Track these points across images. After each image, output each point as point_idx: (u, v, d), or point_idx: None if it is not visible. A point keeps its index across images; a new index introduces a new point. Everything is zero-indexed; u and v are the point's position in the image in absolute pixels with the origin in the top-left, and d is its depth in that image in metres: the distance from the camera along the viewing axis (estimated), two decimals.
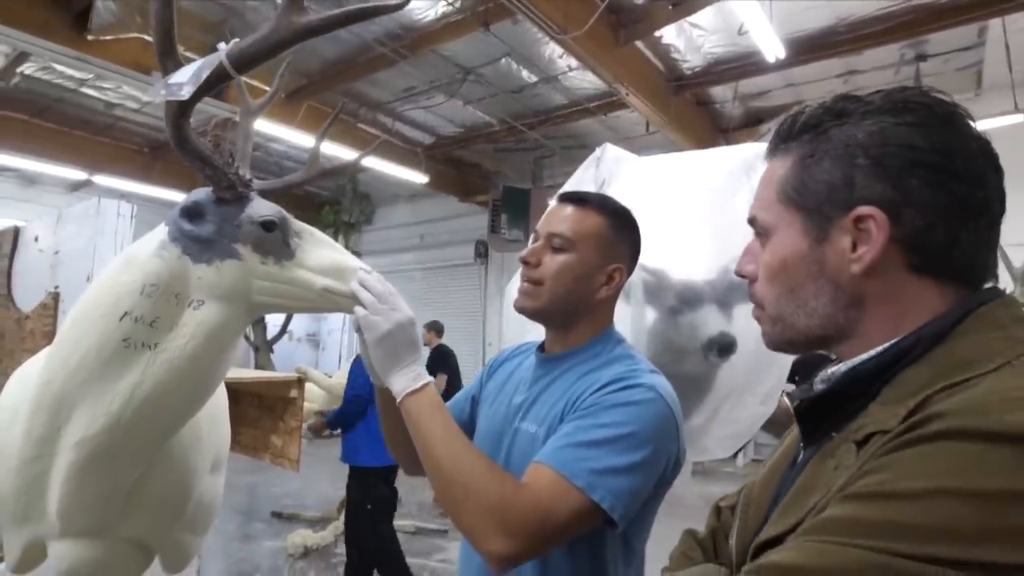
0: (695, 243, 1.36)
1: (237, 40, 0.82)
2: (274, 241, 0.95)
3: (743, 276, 0.64)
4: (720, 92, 5.91)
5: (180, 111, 0.87)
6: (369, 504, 3.08)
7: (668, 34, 4.90)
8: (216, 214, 0.95)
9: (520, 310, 0.97)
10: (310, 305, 0.98)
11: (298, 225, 0.99)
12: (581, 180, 1.65)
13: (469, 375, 8.04)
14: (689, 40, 4.99)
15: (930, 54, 5.07)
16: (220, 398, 1.45)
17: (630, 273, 0.99)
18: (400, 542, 4.01)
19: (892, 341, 0.53)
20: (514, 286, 2.06)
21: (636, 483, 0.80)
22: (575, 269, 0.94)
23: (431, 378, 0.87)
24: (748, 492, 0.66)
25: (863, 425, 0.50)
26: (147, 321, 0.90)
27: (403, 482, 5.50)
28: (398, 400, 0.85)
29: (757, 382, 1.49)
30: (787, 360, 1.56)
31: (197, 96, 0.82)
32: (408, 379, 0.85)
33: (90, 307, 0.94)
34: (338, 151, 5.68)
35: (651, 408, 0.83)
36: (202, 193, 0.97)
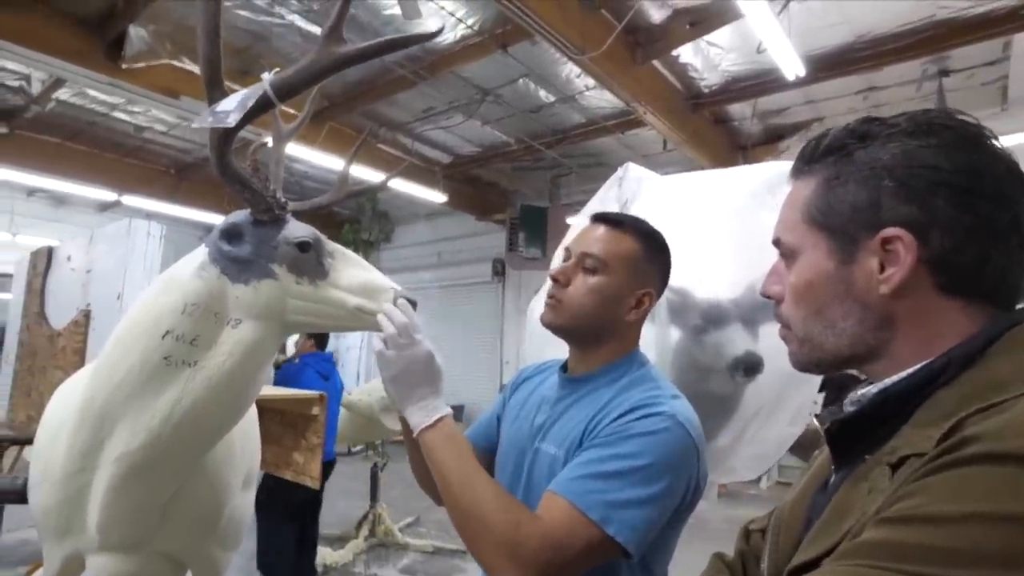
0: (719, 262, 1.36)
1: (279, 69, 0.86)
2: (309, 261, 0.98)
3: (769, 297, 0.65)
4: (738, 109, 5.90)
5: (224, 139, 0.90)
6: (264, 494, 2.74)
7: (685, 53, 4.91)
8: (254, 235, 0.98)
9: (547, 325, 0.98)
10: (342, 324, 1.01)
11: (331, 245, 1.02)
12: (604, 200, 1.66)
13: (486, 393, 8.05)
14: (707, 58, 5.00)
15: (953, 69, 5.01)
16: (252, 415, 1.49)
17: (659, 297, 1.00)
18: (419, 562, 4.05)
19: (923, 363, 0.53)
20: (539, 302, 2.09)
21: (652, 515, 0.80)
22: (605, 291, 0.95)
23: (448, 410, 0.89)
24: (779, 515, 0.66)
25: (896, 448, 0.50)
26: (187, 339, 0.94)
27: (421, 499, 5.49)
28: (415, 434, 0.88)
29: (785, 402, 1.48)
30: (816, 380, 1.55)
31: (241, 124, 0.86)
32: (422, 414, 0.87)
33: (133, 326, 0.98)
34: (358, 171, 5.76)
35: (668, 437, 0.83)
36: (241, 215, 1.00)
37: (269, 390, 2.58)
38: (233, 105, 0.82)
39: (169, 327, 0.93)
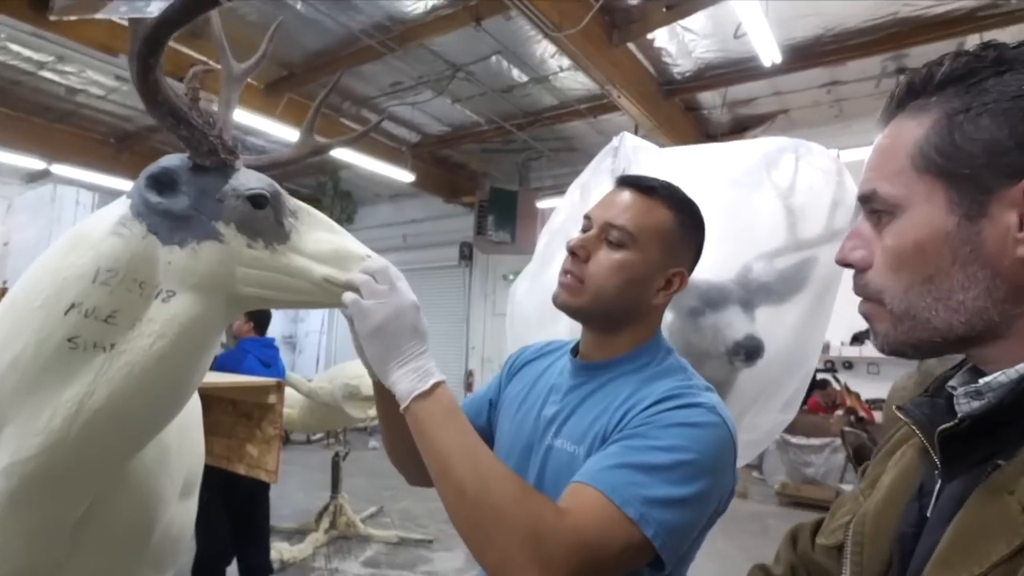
0: (717, 240, 1.27)
1: None
2: (265, 220, 0.80)
3: (848, 265, 0.53)
4: (709, 98, 5.91)
5: (148, 46, 0.68)
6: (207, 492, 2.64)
7: (660, 37, 4.87)
8: (192, 185, 0.79)
9: (562, 306, 0.84)
10: (306, 298, 0.82)
11: (293, 202, 0.84)
12: (597, 170, 1.55)
13: (451, 380, 7.91)
14: (681, 44, 4.96)
15: (910, 68, 5.11)
16: (193, 409, 1.26)
17: (689, 276, 0.86)
18: (382, 553, 3.92)
19: None
20: (524, 281, 1.98)
21: (689, 519, 0.68)
22: (632, 270, 0.81)
23: (442, 375, 0.73)
24: (859, 527, 0.55)
25: None
26: (101, 316, 0.73)
27: (384, 488, 5.38)
28: (403, 405, 0.71)
29: (779, 388, 1.42)
30: (811, 366, 1.49)
31: (170, 21, 0.66)
32: (414, 379, 0.71)
33: (25, 297, 0.75)
34: None
35: (713, 434, 0.71)
36: (175, 158, 0.80)
37: (216, 377, 2.39)
38: None
39: (76, 299, 0.72)
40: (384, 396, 0.83)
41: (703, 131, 6.42)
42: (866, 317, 0.52)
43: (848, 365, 5.80)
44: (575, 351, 0.90)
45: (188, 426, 1.17)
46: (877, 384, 5.49)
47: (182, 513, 1.17)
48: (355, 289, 0.75)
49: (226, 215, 0.79)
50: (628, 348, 0.84)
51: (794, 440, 5.08)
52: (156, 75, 0.71)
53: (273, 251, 0.80)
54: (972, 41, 4.48)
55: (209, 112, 0.79)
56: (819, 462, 4.90)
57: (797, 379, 1.43)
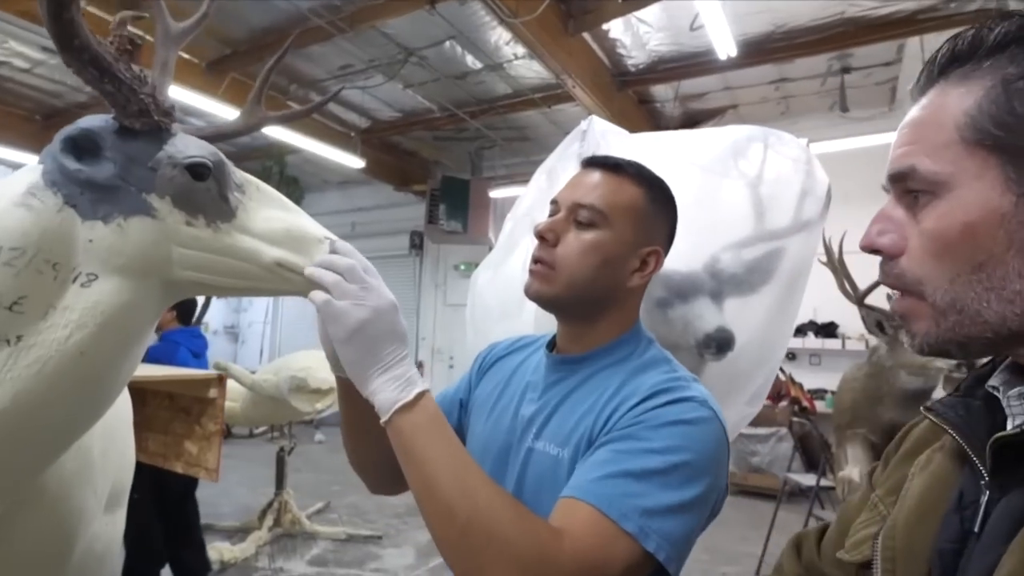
0: (686, 229, 1.24)
1: None
2: (206, 194, 0.70)
3: (874, 251, 0.48)
4: (661, 91, 5.97)
5: None
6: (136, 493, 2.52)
7: (615, 28, 4.87)
8: (119, 150, 0.67)
9: (534, 297, 0.79)
10: (255, 284, 0.72)
11: (240, 175, 0.74)
12: (564, 154, 1.50)
13: None
14: (636, 36, 4.98)
15: (854, 67, 5.34)
16: (121, 408, 1.13)
17: (665, 257, 0.82)
18: (330, 551, 3.79)
19: None
20: (485, 271, 1.92)
21: (692, 525, 0.63)
22: (605, 249, 0.76)
23: (425, 384, 0.66)
24: (888, 542, 0.50)
25: None
26: (4, 302, 0.62)
27: (331, 483, 5.23)
28: (384, 418, 0.64)
29: (747, 381, 1.41)
30: (779, 359, 1.49)
31: None
32: (395, 388, 0.64)
33: None
34: (269, 129, 5.28)
35: (707, 429, 0.67)
36: (98, 119, 0.69)
37: (152, 369, 2.23)
38: None
39: None
40: (349, 397, 0.76)
41: (655, 124, 6.48)
42: (901, 315, 0.48)
43: (791, 356, 6.00)
44: (551, 345, 0.84)
45: (115, 429, 1.04)
46: (818, 375, 5.70)
47: (108, 527, 1.04)
48: (321, 286, 0.67)
49: (160, 187, 0.68)
50: (608, 339, 0.79)
51: (741, 429, 5.21)
52: (72, 14, 0.60)
53: (216, 230, 0.70)
54: (912, 43, 4.67)
55: (141, 69, 0.68)
56: (765, 451, 5.05)
57: (764, 372, 1.43)
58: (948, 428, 0.48)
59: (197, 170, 0.69)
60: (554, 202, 0.82)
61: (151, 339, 3.06)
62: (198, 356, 3.00)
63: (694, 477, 0.63)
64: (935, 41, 4.57)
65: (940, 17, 4.29)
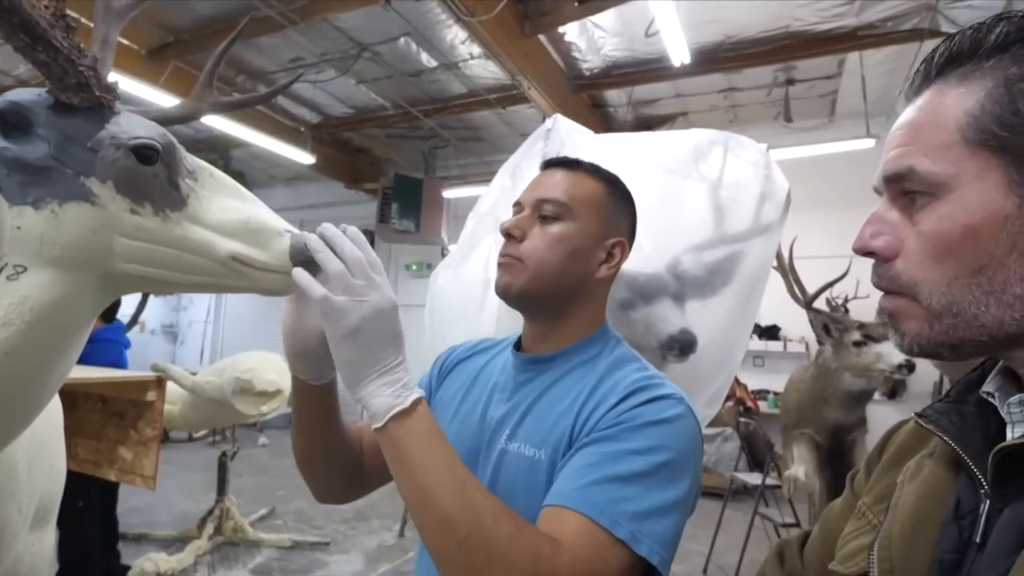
0: (649, 230, 1.25)
1: None
2: (154, 180, 0.64)
3: (868, 254, 0.47)
4: (615, 96, 6.07)
5: None
6: (81, 501, 2.38)
7: (571, 32, 4.92)
8: (54, 128, 0.61)
9: (504, 293, 0.78)
10: (207, 279, 0.66)
11: (192, 161, 0.68)
12: (528, 153, 1.49)
13: None
14: (591, 40, 5.04)
15: (798, 79, 5.57)
16: (52, 415, 1.06)
17: (630, 250, 0.84)
18: (274, 559, 3.65)
19: None
20: (444, 271, 1.87)
21: (679, 523, 0.63)
22: (571, 240, 0.77)
23: (420, 390, 0.63)
24: (884, 553, 0.49)
25: None
26: None
27: (276, 488, 5.05)
28: (377, 424, 0.61)
29: (706, 383, 1.42)
30: (738, 361, 1.51)
31: None
32: (391, 393, 0.61)
33: None
34: (214, 120, 5.06)
35: (684, 427, 0.67)
36: (29, 92, 0.62)
37: (81, 371, 2.09)
38: None
39: None
40: (306, 398, 0.73)
41: (608, 128, 6.57)
42: (891, 315, 0.47)
43: None
44: (518, 345, 0.83)
45: (44, 438, 0.95)
46: (761, 376, 5.89)
47: (34, 546, 0.96)
48: (308, 267, 0.63)
49: (101, 170, 0.62)
50: (577, 337, 0.79)
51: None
52: None
53: (165, 219, 0.64)
54: (852, 58, 4.89)
55: (79, 44, 0.62)
56: (711, 451, 5.17)
57: (724, 374, 1.45)
58: (943, 436, 0.48)
59: (144, 152, 0.63)
60: (517, 204, 0.83)
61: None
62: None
63: (677, 475, 0.64)
64: (873, 56, 4.82)
65: (878, 35, 4.52)
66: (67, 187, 0.61)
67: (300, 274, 0.63)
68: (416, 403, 0.62)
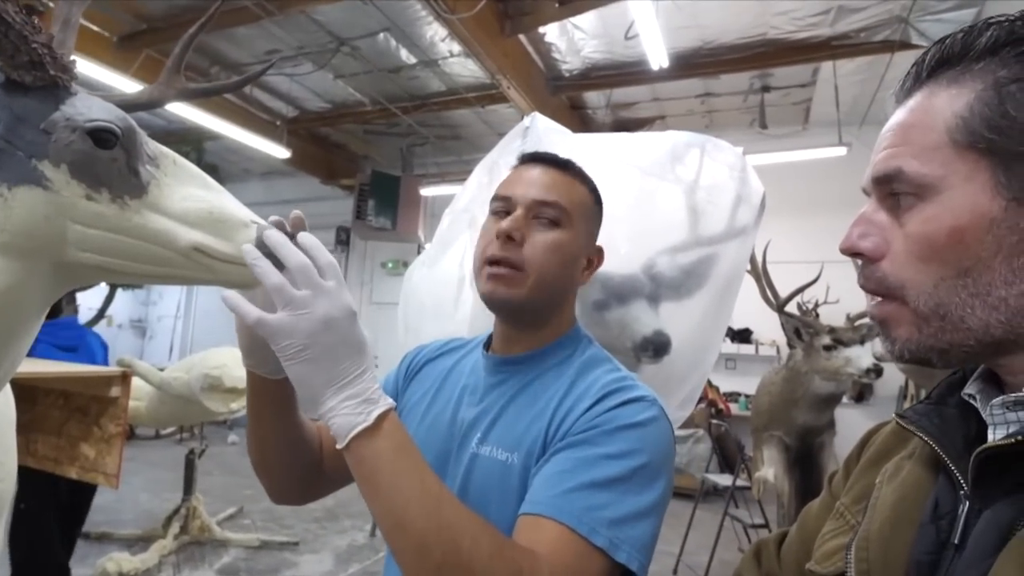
0: (624, 231, 1.25)
1: None
2: (112, 165, 0.61)
3: (855, 254, 0.47)
4: (594, 98, 6.11)
5: None
6: (23, 503, 2.22)
7: (551, 33, 4.93)
8: (4, 107, 0.58)
9: (499, 302, 0.74)
10: (167, 271, 0.63)
11: (154, 147, 0.65)
12: (505, 151, 1.48)
13: None
14: (571, 42, 5.06)
15: (773, 87, 5.67)
16: (1, 410, 1.02)
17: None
18: (241, 559, 3.58)
19: None
20: (419, 268, 1.85)
21: (655, 528, 0.62)
22: (568, 249, 0.74)
23: (390, 401, 0.59)
24: (861, 553, 0.48)
25: None
26: None
27: (244, 487, 4.96)
28: (340, 443, 0.56)
29: (680, 385, 1.43)
30: (711, 363, 1.52)
31: None
32: (352, 410, 0.56)
33: None
34: (187, 111, 4.95)
35: (658, 429, 0.66)
36: None
37: (45, 365, 2.02)
38: None
39: None
40: (259, 393, 0.70)
41: (586, 129, 6.60)
42: (880, 321, 0.46)
43: None
44: (488, 345, 0.82)
45: None
46: (733, 378, 5.97)
47: None
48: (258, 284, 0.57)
49: (55, 153, 0.59)
50: (551, 339, 0.77)
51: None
52: None
53: (123, 206, 0.61)
54: (826, 67, 4.99)
55: (36, 23, 0.59)
56: (683, 452, 5.23)
57: (697, 376, 1.46)
58: (924, 437, 0.48)
59: (101, 136, 0.60)
60: (504, 199, 0.77)
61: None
62: (72, 349, 2.70)
63: (653, 479, 0.63)
64: (847, 66, 4.93)
65: (851, 45, 4.61)
66: (17, 170, 0.58)
67: (233, 297, 0.58)
68: (381, 418, 0.57)
